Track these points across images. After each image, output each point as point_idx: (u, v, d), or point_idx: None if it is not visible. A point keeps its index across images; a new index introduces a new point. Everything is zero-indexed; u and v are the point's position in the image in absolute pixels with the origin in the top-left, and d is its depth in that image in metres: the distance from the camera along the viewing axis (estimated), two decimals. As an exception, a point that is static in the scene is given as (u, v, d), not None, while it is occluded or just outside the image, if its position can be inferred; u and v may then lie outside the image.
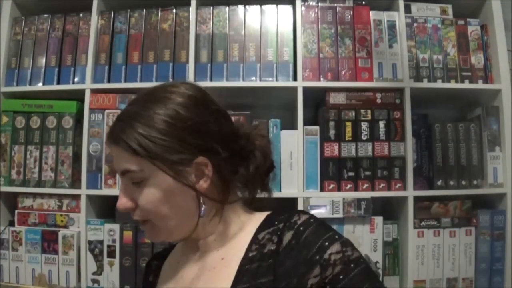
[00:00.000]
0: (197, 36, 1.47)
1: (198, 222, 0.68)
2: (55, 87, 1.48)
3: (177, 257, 0.79)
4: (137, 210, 0.68)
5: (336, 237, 0.62)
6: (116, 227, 1.39)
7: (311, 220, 0.64)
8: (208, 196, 0.67)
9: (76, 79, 1.48)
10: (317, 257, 0.59)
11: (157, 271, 0.81)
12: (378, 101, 1.44)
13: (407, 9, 1.49)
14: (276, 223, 0.66)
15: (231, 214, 0.72)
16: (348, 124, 1.41)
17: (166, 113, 0.65)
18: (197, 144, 0.66)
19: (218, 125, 0.68)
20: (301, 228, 0.63)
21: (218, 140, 0.67)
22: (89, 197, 1.41)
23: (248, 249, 0.66)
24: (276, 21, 1.47)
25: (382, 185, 1.39)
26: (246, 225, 0.71)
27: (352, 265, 0.59)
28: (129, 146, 0.64)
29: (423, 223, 1.38)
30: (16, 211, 1.45)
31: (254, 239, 0.67)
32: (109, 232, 1.39)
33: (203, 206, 0.67)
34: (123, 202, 0.68)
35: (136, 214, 0.68)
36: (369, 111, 1.42)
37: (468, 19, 1.52)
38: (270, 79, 1.44)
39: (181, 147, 0.65)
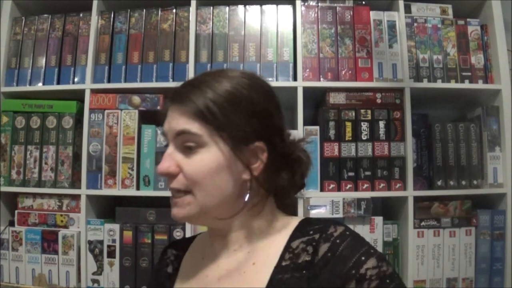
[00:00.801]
0: (197, 36, 1.47)
1: (237, 212, 0.65)
2: (55, 87, 1.48)
3: (201, 251, 0.75)
4: (179, 177, 0.65)
5: (372, 251, 0.61)
6: (116, 227, 1.39)
7: (347, 233, 0.63)
8: (259, 181, 0.66)
9: (76, 79, 1.49)
10: (353, 272, 0.58)
11: (177, 263, 0.77)
12: (378, 101, 1.44)
13: (407, 9, 1.49)
14: (311, 232, 0.64)
15: (267, 213, 0.70)
16: (348, 124, 1.42)
17: (237, 88, 0.64)
18: (260, 129, 0.65)
19: (279, 120, 0.69)
20: (338, 241, 0.61)
21: (277, 134, 0.68)
22: (89, 197, 1.41)
23: (281, 258, 0.64)
24: (276, 21, 1.47)
25: (382, 185, 1.39)
26: (279, 230, 0.69)
27: (387, 281, 0.59)
28: (197, 107, 0.62)
29: (423, 223, 1.38)
30: (16, 211, 1.45)
31: (288, 247, 0.65)
32: (109, 232, 1.39)
33: (248, 192, 0.65)
34: (167, 166, 0.65)
35: (176, 182, 0.65)
36: (369, 111, 1.42)
37: (468, 19, 1.52)
38: (270, 79, 1.43)
39: (245, 125, 0.64)
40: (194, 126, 0.63)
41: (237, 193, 0.66)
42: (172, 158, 0.65)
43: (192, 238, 0.81)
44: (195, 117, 0.63)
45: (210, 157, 0.63)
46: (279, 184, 0.69)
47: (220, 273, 0.68)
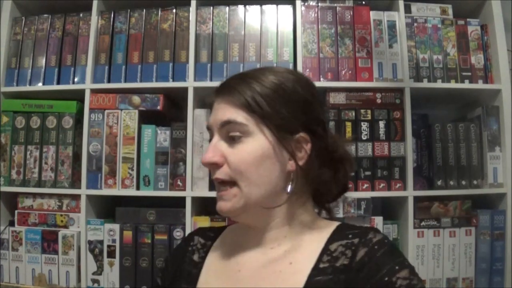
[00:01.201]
0: (197, 36, 1.47)
1: (281, 202, 0.65)
2: (55, 87, 1.48)
3: (232, 244, 0.74)
4: (223, 167, 0.65)
5: (406, 263, 0.61)
6: (116, 227, 1.39)
7: (386, 241, 0.63)
8: (303, 172, 0.66)
9: (76, 79, 1.48)
10: (386, 279, 0.59)
11: (204, 252, 0.75)
12: (378, 101, 1.44)
13: (407, 9, 1.49)
14: (350, 236, 0.65)
15: (310, 209, 0.70)
16: (348, 124, 1.41)
17: (282, 81, 0.66)
18: (304, 120, 0.66)
19: (321, 115, 0.70)
20: (376, 247, 0.62)
21: (320, 127, 0.68)
22: (89, 197, 1.41)
23: (319, 260, 0.64)
24: (276, 21, 1.47)
25: (382, 185, 1.39)
26: (318, 231, 0.68)
27: None
28: (244, 97, 0.64)
29: (423, 223, 1.38)
30: (16, 211, 1.45)
31: (326, 249, 0.65)
32: (109, 232, 1.39)
33: (291, 183, 0.66)
34: (211, 156, 0.65)
35: (220, 172, 0.66)
36: (369, 111, 1.42)
37: (468, 19, 1.52)
38: (270, 79, 1.43)
39: (290, 116, 0.65)
40: (239, 116, 0.64)
41: (282, 184, 0.66)
42: (217, 148, 0.65)
43: (221, 229, 0.80)
44: (242, 107, 0.64)
45: (255, 145, 0.64)
46: (321, 179, 0.69)
47: (254, 270, 0.67)
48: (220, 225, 0.83)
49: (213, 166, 0.66)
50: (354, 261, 0.61)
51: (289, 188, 0.66)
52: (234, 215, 0.68)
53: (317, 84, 1.41)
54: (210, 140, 0.68)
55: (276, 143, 0.65)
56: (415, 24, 1.49)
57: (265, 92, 0.64)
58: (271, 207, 0.66)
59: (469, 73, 1.48)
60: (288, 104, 0.65)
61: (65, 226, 1.42)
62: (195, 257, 0.75)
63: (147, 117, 1.47)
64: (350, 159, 0.73)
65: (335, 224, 0.70)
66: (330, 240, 0.66)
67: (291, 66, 1.44)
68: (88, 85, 1.45)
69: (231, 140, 0.65)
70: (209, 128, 0.69)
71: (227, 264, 0.70)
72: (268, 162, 0.64)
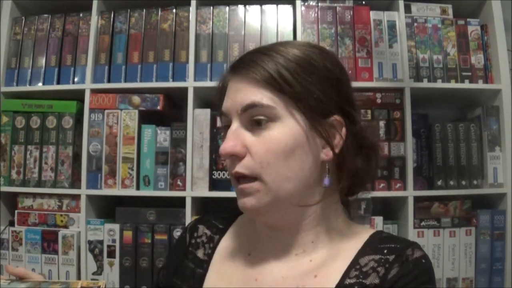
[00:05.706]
0: (197, 36, 1.47)
1: (319, 199, 0.56)
2: (55, 87, 1.48)
3: (246, 243, 0.63)
4: (245, 160, 0.55)
5: None
6: (116, 227, 1.39)
7: (423, 261, 0.56)
8: (342, 161, 0.57)
9: (76, 79, 1.48)
10: None
11: (210, 249, 0.65)
12: (378, 101, 1.44)
13: (407, 9, 1.49)
14: (385, 251, 0.57)
15: (339, 215, 0.62)
16: (348, 124, 1.41)
17: (309, 55, 0.56)
18: (337, 101, 0.57)
19: (352, 94, 0.61)
20: (410, 266, 0.55)
21: (354, 109, 0.60)
22: (89, 197, 1.41)
23: (346, 274, 0.56)
24: (276, 21, 1.47)
25: (382, 185, 1.39)
26: (350, 240, 0.60)
27: None
28: (268, 73, 0.54)
29: (423, 223, 1.38)
30: (16, 211, 1.45)
31: (355, 263, 0.57)
32: (109, 232, 1.39)
33: (328, 174, 0.56)
34: (231, 145, 0.54)
35: (241, 165, 0.55)
36: (369, 111, 1.42)
37: (468, 19, 1.52)
38: (270, 79, 1.43)
39: (323, 95, 0.55)
40: (265, 97, 0.54)
41: (315, 177, 0.57)
42: (238, 136, 0.55)
43: (231, 218, 0.69)
44: (266, 85, 0.54)
45: (285, 132, 0.54)
46: (356, 170, 0.60)
47: (274, 281, 0.58)
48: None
49: (233, 158, 0.56)
50: (386, 280, 0.54)
51: (326, 181, 0.56)
52: (260, 213, 0.58)
53: (317, 84, 1.44)
54: (224, 127, 0.58)
55: (309, 128, 0.55)
56: (415, 24, 1.49)
57: (291, 66, 0.54)
58: (305, 205, 0.57)
59: (469, 73, 1.48)
60: (318, 81, 0.55)
61: (65, 226, 1.42)
62: (200, 254, 0.65)
63: (147, 117, 1.47)
64: (379, 147, 0.64)
65: (369, 232, 0.61)
66: (362, 253, 0.58)
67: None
68: (88, 85, 1.45)
69: (255, 126, 0.55)
70: (223, 114, 0.58)
71: (241, 269, 0.61)
72: (299, 151, 0.55)
